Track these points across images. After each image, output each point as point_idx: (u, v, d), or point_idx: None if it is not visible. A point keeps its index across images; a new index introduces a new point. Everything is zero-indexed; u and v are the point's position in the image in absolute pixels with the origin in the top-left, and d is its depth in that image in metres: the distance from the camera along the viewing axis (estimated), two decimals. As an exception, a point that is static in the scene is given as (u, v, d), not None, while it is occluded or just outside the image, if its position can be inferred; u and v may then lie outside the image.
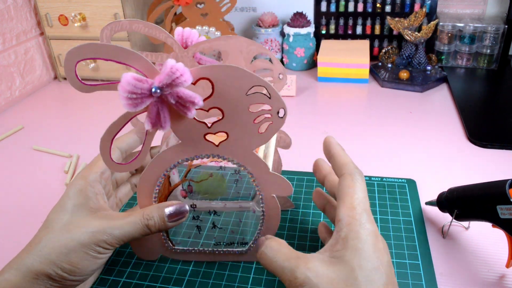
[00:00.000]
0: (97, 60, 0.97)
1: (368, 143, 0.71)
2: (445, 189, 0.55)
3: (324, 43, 0.99)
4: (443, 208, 0.51)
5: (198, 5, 0.88)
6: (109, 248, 0.40)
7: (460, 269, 0.47)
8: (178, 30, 0.45)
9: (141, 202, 0.43)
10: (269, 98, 0.37)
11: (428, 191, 0.58)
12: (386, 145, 0.70)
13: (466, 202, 0.47)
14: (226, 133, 0.39)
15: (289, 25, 0.99)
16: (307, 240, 0.52)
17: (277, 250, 0.38)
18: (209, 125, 0.38)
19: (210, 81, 0.35)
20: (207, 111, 0.37)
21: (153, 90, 0.34)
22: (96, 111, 0.87)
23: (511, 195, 0.42)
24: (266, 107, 0.37)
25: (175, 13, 0.95)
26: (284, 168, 0.58)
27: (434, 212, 0.55)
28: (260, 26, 1.01)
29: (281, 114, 0.38)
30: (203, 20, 0.88)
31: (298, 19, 0.97)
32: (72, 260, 0.39)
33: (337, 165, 0.43)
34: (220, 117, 0.38)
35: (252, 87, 0.36)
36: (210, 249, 0.48)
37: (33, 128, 0.82)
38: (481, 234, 0.51)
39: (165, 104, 0.35)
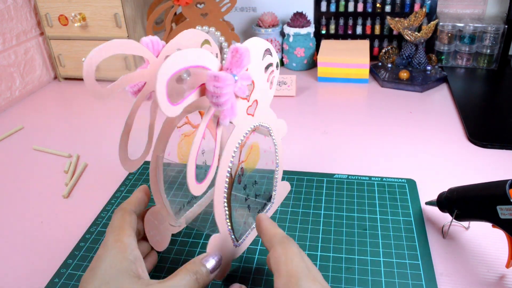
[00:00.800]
0: (97, 60, 0.97)
1: (368, 143, 0.71)
2: (445, 189, 0.55)
3: (324, 43, 0.99)
4: (443, 208, 0.51)
5: (198, 5, 0.88)
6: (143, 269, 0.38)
7: (460, 269, 0.47)
8: (146, 40, 0.43)
9: (218, 210, 0.43)
10: (271, 56, 0.44)
11: (428, 191, 0.58)
12: (386, 145, 0.70)
13: (466, 202, 0.47)
14: (256, 100, 0.44)
15: (289, 25, 0.99)
16: (307, 240, 0.52)
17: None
18: (248, 99, 0.43)
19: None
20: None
21: (234, 76, 0.38)
22: (96, 111, 0.87)
23: (511, 195, 0.42)
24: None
25: (175, 13, 0.95)
26: (284, 168, 0.58)
27: (434, 212, 0.55)
28: (260, 26, 1.01)
29: (278, 66, 0.46)
30: (203, 20, 0.88)
31: (298, 19, 0.97)
32: None
33: (267, 239, 0.41)
34: (252, 88, 0.42)
35: (266, 50, 0.43)
36: (253, 226, 0.51)
37: (33, 128, 0.82)
38: (481, 234, 0.51)
39: (233, 91, 0.39)
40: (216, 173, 0.42)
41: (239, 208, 0.51)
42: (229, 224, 0.45)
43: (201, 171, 0.40)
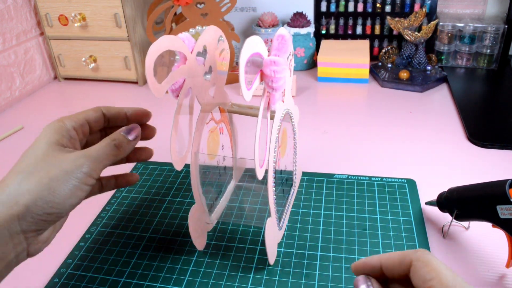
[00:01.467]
0: (97, 60, 0.97)
1: (368, 143, 0.71)
2: (445, 189, 0.55)
3: (324, 43, 0.99)
4: (443, 208, 0.51)
5: (198, 5, 0.88)
6: (91, 176, 0.40)
7: (460, 269, 0.47)
8: (185, 36, 0.44)
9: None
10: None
11: (428, 191, 0.58)
12: (386, 145, 0.70)
13: (466, 202, 0.47)
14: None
15: (289, 25, 0.99)
16: (307, 240, 0.52)
17: None
18: None
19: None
20: None
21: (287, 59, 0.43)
22: (96, 111, 0.87)
23: (511, 195, 0.42)
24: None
25: (175, 13, 0.95)
26: (284, 168, 0.57)
27: (434, 212, 0.55)
28: (260, 26, 1.01)
29: (292, 54, 0.50)
30: (203, 20, 0.88)
31: (298, 19, 0.97)
32: (54, 189, 0.38)
33: (395, 263, 0.33)
34: None
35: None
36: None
37: (33, 128, 0.82)
38: (481, 234, 0.51)
39: None
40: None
41: (278, 193, 0.54)
42: (275, 207, 0.47)
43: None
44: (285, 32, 0.43)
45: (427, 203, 0.55)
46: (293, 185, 0.59)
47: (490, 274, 0.46)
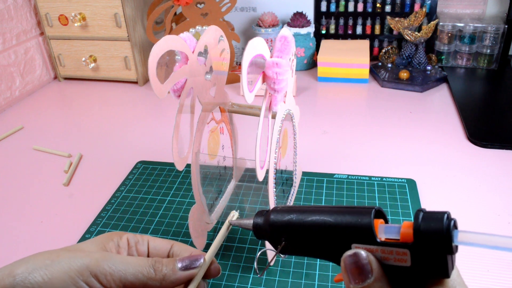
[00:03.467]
0: (97, 60, 0.97)
1: (368, 143, 0.71)
2: (445, 189, 0.55)
3: (324, 43, 0.99)
4: (260, 236, 0.35)
5: (198, 5, 0.88)
6: (95, 276, 0.32)
7: (460, 269, 0.47)
8: (186, 35, 0.44)
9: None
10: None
11: (428, 191, 0.58)
12: (386, 145, 0.70)
13: (303, 234, 0.31)
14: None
15: (289, 25, 0.99)
16: (307, 240, 0.52)
17: None
18: None
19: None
20: None
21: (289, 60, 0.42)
22: (96, 111, 0.87)
23: (376, 231, 0.28)
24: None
25: (175, 13, 0.95)
26: (284, 168, 0.58)
27: (434, 212, 0.55)
28: (260, 26, 1.01)
29: (295, 55, 0.50)
30: (203, 20, 0.88)
31: (298, 19, 0.97)
32: (47, 270, 0.32)
33: None
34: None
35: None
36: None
37: (33, 128, 0.82)
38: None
39: None
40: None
41: (278, 193, 0.54)
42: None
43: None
44: (288, 33, 0.43)
45: (231, 223, 0.40)
46: (293, 185, 0.59)
47: (490, 274, 0.46)
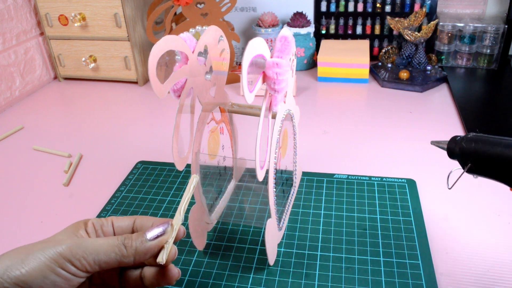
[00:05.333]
0: (97, 60, 0.97)
1: (368, 143, 0.71)
2: (445, 189, 0.55)
3: (324, 43, 0.99)
4: (453, 157, 0.44)
5: (198, 5, 0.88)
6: (70, 261, 0.33)
7: (460, 269, 0.47)
8: (185, 35, 0.44)
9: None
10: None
11: (428, 191, 0.58)
12: (386, 145, 0.70)
13: (485, 158, 0.40)
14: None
15: (289, 25, 0.99)
16: (307, 240, 0.52)
17: None
18: None
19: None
20: None
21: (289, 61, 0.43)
22: (96, 111, 0.87)
23: None
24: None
25: (175, 13, 0.95)
26: (284, 168, 0.58)
27: (434, 212, 0.55)
28: (260, 26, 1.01)
29: (295, 55, 0.50)
30: (203, 20, 0.88)
31: (298, 19, 0.97)
32: (24, 261, 0.33)
33: None
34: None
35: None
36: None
37: (33, 128, 0.82)
38: (481, 234, 0.51)
39: None
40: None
41: (278, 193, 0.54)
42: (275, 208, 0.47)
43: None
44: (288, 33, 0.43)
45: (432, 143, 0.46)
46: (293, 185, 0.59)
47: (490, 274, 0.46)
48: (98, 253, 0.35)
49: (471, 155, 0.41)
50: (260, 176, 0.42)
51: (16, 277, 0.32)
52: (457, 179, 0.43)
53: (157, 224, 0.38)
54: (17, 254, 0.34)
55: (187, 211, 0.53)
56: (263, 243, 0.51)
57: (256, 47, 0.39)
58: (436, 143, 0.46)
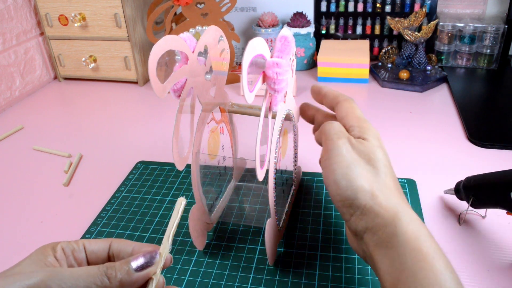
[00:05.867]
0: (97, 60, 0.97)
1: (368, 143, 0.71)
2: (445, 189, 0.55)
3: (324, 43, 0.99)
4: (460, 196, 0.53)
5: (198, 5, 0.88)
6: None
7: (460, 269, 0.47)
8: (186, 35, 0.44)
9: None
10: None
11: (428, 191, 0.58)
12: (386, 145, 0.70)
13: (481, 190, 0.49)
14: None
15: (289, 25, 0.99)
16: (307, 240, 0.52)
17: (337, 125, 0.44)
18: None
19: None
20: None
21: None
22: (96, 111, 0.87)
23: None
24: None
25: (175, 13, 0.95)
26: (284, 168, 0.58)
27: (433, 213, 0.55)
28: (260, 26, 1.01)
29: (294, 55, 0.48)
30: (203, 20, 0.88)
31: (298, 19, 0.97)
32: None
33: (331, 97, 0.49)
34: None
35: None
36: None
37: (33, 128, 0.82)
38: (482, 236, 0.51)
39: None
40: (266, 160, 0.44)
41: (278, 193, 0.53)
42: (275, 208, 0.47)
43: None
44: (288, 33, 0.43)
45: (445, 192, 0.56)
46: (293, 185, 0.59)
47: (490, 274, 0.46)
48: (77, 286, 0.31)
49: (472, 189, 0.50)
50: (260, 176, 0.42)
51: None
52: (465, 213, 0.53)
53: (142, 252, 0.34)
54: None
55: (187, 211, 0.53)
56: (263, 243, 0.51)
57: (256, 47, 0.39)
58: (447, 191, 0.56)
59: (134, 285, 0.32)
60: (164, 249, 0.35)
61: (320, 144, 0.46)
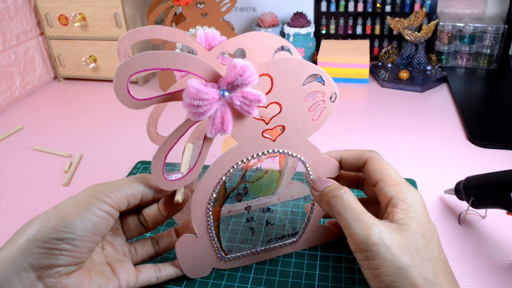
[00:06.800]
0: (97, 60, 0.97)
1: (368, 143, 0.71)
2: (446, 189, 0.55)
3: (324, 43, 0.99)
4: (460, 196, 0.53)
5: (198, 5, 0.88)
6: (104, 201, 0.37)
7: (460, 269, 0.47)
8: (200, 32, 0.44)
9: (196, 214, 0.42)
10: (323, 84, 0.39)
11: (428, 191, 0.58)
12: (386, 145, 0.70)
13: (481, 190, 0.49)
14: (283, 126, 0.40)
15: (289, 25, 0.99)
16: (307, 240, 0.52)
17: (353, 200, 0.38)
18: (267, 121, 0.39)
19: (270, 77, 0.36)
20: (266, 107, 0.38)
21: (222, 93, 0.34)
22: (96, 111, 0.87)
23: None
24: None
25: (175, 13, 0.95)
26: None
27: (433, 213, 0.55)
28: (260, 26, 1.01)
29: (333, 99, 0.40)
30: (203, 20, 0.88)
31: (298, 19, 0.97)
32: (61, 214, 0.35)
33: (353, 158, 0.44)
34: (278, 111, 0.38)
35: (309, 76, 0.37)
36: (263, 248, 0.48)
37: (33, 128, 0.82)
38: (483, 236, 0.51)
39: (229, 107, 0.35)
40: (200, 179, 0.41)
41: (241, 226, 0.52)
42: (212, 232, 0.44)
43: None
44: (244, 63, 0.34)
45: (445, 192, 0.56)
46: (296, 237, 0.50)
47: (490, 274, 0.46)
48: (126, 187, 0.39)
49: (472, 189, 0.50)
50: (162, 184, 0.39)
51: (54, 232, 0.34)
52: (465, 214, 0.53)
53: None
54: (47, 212, 0.37)
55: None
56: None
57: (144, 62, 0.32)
58: (447, 191, 0.55)
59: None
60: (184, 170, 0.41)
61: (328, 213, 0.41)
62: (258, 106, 0.36)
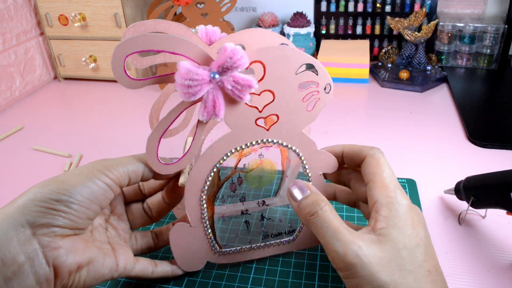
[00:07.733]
0: (97, 60, 0.97)
1: (368, 143, 0.71)
2: (446, 189, 0.55)
3: (324, 43, 0.99)
4: (460, 196, 0.53)
5: (198, 5, 0.88)
6: (106, 174, 0.39)
7: (460, 269, 0.47)
8: (201, 28, 0.45)
9: (189, 201, 0.42)
10: (317, 74, 0.38)
11: (428, 191, 0.58)
12: (386, 145, 0.70)
13: (481, 190, 0.49)
14: (277, 115, 0.39)
15: (289, 25, 0.99)
16: (307, 240, 0.52)
17: (331, 218, 0.37)
18: (260, 109, 0.39)
19: (262, 64, 0.36)
20: (259, 94, 0.38)
21: (212, 75, 0.34)
22: (96, 111, 0.87)
23: None
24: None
25: (175, 13, 0.95)
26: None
27: (433, 213, 0.55)
28: (260, 26, 1.01)
29: (327, 90, 0.40)
30: (203, 20, 0.88)
31: (298, 19, 0.97)
32: (62, 178, 0.37)
33: (354, 153, 0.43)
34: (271, 100, 0.38)
35: (301, 65, 0.37)
36: (258, 244, 0.47)
37: (33, 128, 0.82)
38: (483, 236, 0.51)
39: (221, 91, 0.36)
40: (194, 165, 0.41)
41: (235, 218, 0.52)
42: (206, 222, 0.44)
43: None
44: (233, 46, 0.35)
45: (445, 192, 0.56)
46: (293, 235, 0.50)
47: (490, 274, 0.46)
48: (127, 163, 0.40)
49: (472, 189, 0.50)
50: (157, 168, 0.40)
51: (53, 194, 0.35)
52: (465, 213, 0.53)
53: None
54: (51, 178, 0.38)
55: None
56: (263, 243, 0.51)
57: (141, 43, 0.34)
58: (447, 191, 0.55)
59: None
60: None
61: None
62: (251, 93, 0.36)
